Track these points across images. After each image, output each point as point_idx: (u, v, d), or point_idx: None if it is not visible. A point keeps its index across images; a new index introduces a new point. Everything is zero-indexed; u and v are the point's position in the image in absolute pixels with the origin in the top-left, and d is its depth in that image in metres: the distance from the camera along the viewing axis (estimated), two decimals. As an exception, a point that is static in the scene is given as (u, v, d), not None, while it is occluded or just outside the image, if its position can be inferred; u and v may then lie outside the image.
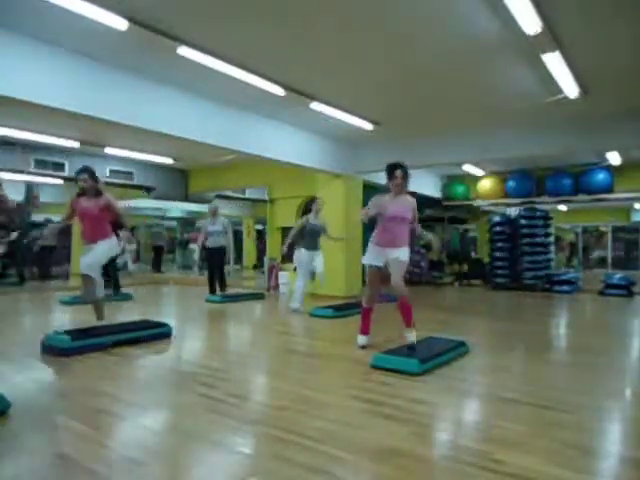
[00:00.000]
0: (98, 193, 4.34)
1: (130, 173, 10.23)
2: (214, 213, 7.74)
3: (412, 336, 3.80)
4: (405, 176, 4.02)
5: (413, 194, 4.46)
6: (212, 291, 7.71)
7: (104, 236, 4.36)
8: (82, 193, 4.34)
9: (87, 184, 4.29)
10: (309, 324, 5.74)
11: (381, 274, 4.12)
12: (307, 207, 9.73)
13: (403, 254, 4.01)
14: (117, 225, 4.63)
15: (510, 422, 2.54)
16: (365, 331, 4.28)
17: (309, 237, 6.50)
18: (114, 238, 4.49)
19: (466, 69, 5.07)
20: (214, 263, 7.77)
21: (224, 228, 7.66)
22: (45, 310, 7.05)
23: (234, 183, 11.20)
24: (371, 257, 4.13)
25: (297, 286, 6.60)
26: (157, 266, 14.39)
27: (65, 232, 13.58)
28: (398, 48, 4.59)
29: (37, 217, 13.13)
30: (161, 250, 14.99)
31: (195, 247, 17.28)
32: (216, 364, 3.81)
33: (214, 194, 12.31)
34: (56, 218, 13.16)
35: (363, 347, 4.20)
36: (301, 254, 6.54)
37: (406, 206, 4.07)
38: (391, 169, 4.05)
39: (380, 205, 4.01)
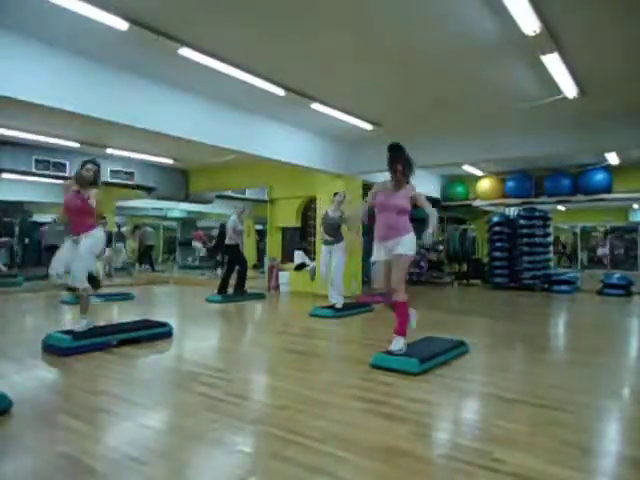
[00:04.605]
0: (91, 184, 4.17)
1: (131, 173, 10.23)
2: (241, 213, 8.29)
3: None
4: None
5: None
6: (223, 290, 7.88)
7: (88, 229, 4.18)
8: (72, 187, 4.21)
9: (89, 173, 4.18)
10: (309, 324, 5.74)
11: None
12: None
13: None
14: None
15: (509, 421, 2.55)
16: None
17: (324, 230, 6.39)
18: (97, 231, 4.27)
19: (465, 69, 5.08)
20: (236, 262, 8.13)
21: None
22: (46, 309, 7.05)
23: (234, 183, 11.20)
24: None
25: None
26: (152, 265, 14.61)
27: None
28: (398, 49, 4.60)
29: (45, 218, 13.26)
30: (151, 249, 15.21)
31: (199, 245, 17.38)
32: (217, 364, 3.82)
33: (214, 194, 12.32)
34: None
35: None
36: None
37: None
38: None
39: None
